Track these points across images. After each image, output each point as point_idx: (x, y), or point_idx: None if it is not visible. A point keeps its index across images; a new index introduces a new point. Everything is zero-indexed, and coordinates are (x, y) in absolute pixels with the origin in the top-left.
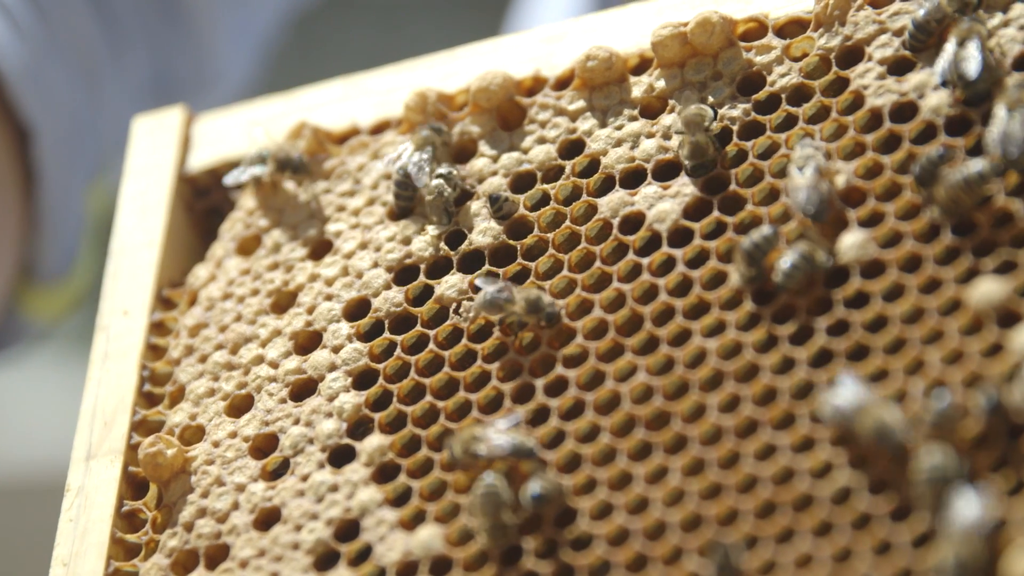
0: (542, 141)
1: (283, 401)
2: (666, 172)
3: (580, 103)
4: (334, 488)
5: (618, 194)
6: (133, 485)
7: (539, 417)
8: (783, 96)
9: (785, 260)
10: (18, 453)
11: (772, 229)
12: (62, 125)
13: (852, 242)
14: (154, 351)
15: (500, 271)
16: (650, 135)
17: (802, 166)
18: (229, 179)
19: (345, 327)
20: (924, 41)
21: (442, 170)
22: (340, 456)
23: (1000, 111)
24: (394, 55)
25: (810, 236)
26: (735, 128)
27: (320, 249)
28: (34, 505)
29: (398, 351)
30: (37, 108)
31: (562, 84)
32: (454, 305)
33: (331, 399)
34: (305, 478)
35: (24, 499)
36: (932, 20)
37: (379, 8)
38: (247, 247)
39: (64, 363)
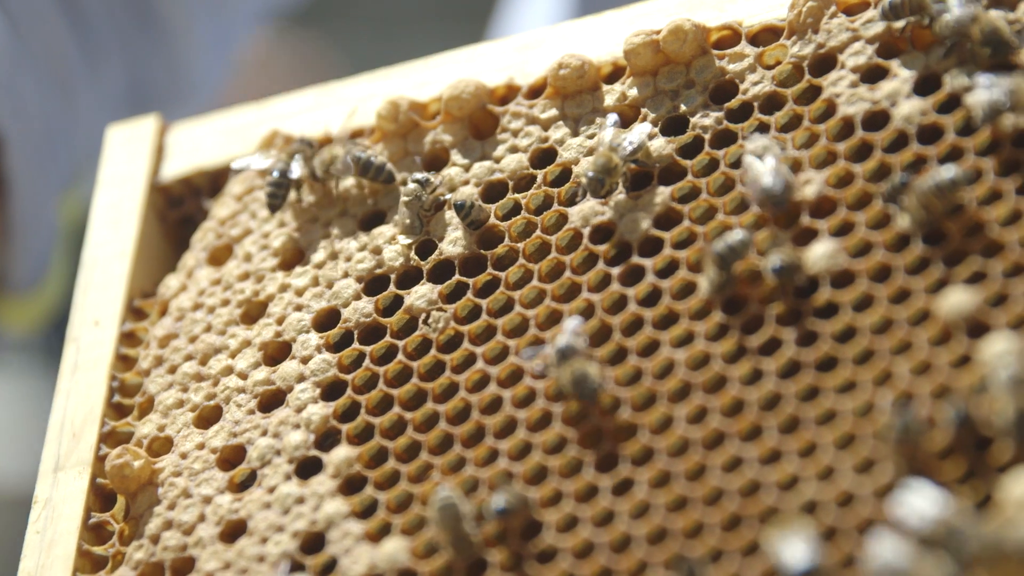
0: (514, 150)
1: (251, 412)
2: (637, 181)
3: (552, 112)
4: (300, 500)
5: (589, 203)
6: (101, 497)
7: (507, 429)
8: (755, 104)
9: (774, 260)
10: None
11: (747, 234)
12: (34, 134)
13: (822, 252)
14: (124, 362)
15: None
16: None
17: (761, 155)
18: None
19: (314, 338)
20: (892, 20)
21: (419, 176)
22: (307, 468)
23: None
24: (390, 64)
25: (782, 244)
26: (707, 137)
27: (291, 259)
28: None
29: (367, 362)
30: (7, 117)
31: (535, 92)
32: (423, 316)
33: (299, 410)
34: (272, 490)
35: None
36: (908, 4)
37: (369, 19)
38: (218, 257)
39: (36, 373)
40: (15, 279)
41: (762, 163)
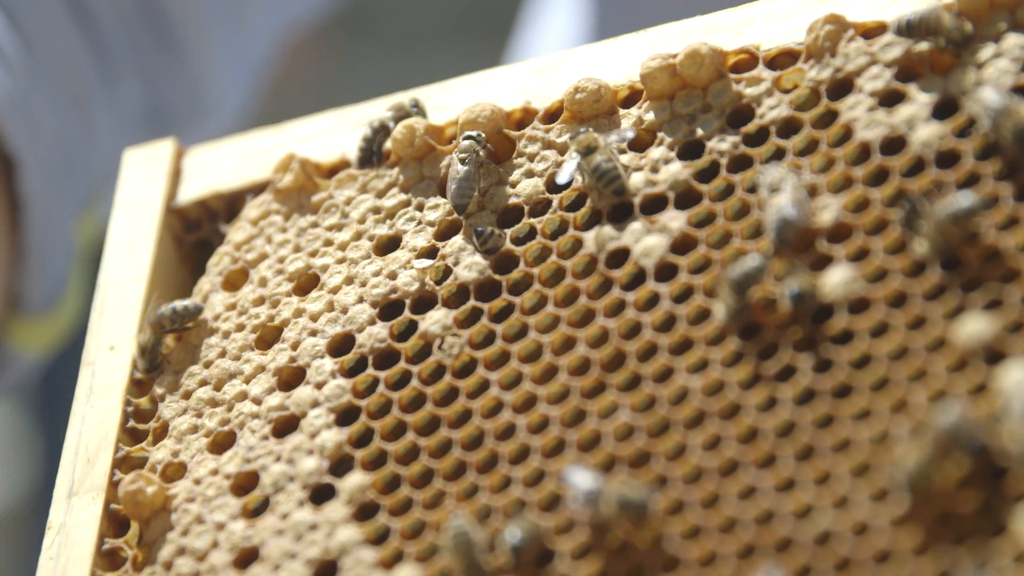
0: (530, 174)
1: (265, 438)
2: (653, 206)
3: (569, 136)
4: (313, 527)
5: (605, 228)
6: (115, 522)
7: (521, 456)
8: (773, 129)
9: (791, 286)
10: None
11: (763, 260)
12: (49, 155)
13: (839, 279)
14: (139, 387)
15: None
16: (638, 168)
17: (777, 188)
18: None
19: (329, 363)
20: (906, 37)
21: (471, 132)
22: (321, 494)
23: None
24: (406, 84)
25: (799, 270)
26: (723, 161)
27: (306, 283)
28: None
29: (381, 387)
30: (22, 138)
31: (551, 116)
32: (438, 341)
33: (313, 436)
34: (285, 517)
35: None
36: (924, 25)
37: (398, 37)
38: (234, 281)
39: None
40: (31, 301)
41: (780, 195)
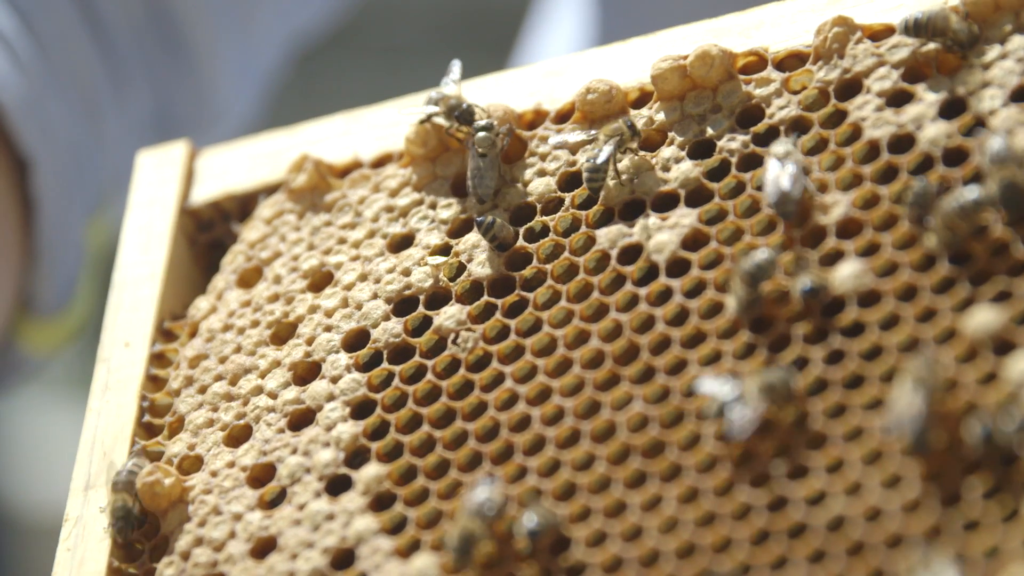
0: (542, 174)
1: (281, 431)
2: (665, 203)
3: (581, 136)
4: (330, 517)
5: (617, 226)
6: None
7: (536, 447)
8: (782, 128)
9: (804, 281)
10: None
11: (773, 252)
12: (61, 156)
13: (849, 272)
14: (154, 382)
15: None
16: (649, 168)
17: (783, 159)
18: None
19: (344, 358)
20: (912, 35)
21: (482, 123)
22: (337, 485)
23: None
24: (397, 95)
25: (809, 265)
26: (733, 160)
27: (320, 281)
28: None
29: (396, 381)
30: (36, 139)
31: (563, 117)
32: (452, 336)
33: (329, 429)
34: (302, 507)
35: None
36: (932, 25)
37: (382, 49)
38: (248, 279)
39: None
40: (42, 302)
41: (782, 167)
